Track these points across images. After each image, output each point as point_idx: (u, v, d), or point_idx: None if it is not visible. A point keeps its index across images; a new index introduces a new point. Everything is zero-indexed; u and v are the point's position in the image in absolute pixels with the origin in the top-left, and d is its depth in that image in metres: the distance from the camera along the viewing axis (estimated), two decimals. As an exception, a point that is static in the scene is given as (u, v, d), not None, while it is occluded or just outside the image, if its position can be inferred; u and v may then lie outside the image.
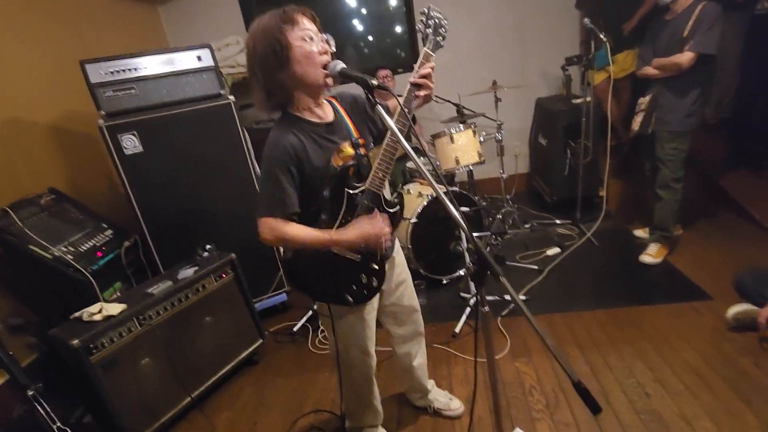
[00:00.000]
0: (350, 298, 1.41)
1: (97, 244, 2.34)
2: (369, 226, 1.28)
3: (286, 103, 1.28)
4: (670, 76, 2.40)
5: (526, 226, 3.38)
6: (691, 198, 2.73)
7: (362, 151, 1.36)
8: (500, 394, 1.88)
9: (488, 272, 1.02)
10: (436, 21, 1.25)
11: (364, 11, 4.14)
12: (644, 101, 2.56)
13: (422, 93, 1.28)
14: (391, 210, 1.41)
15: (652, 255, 2.71)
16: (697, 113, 2.43)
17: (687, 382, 1.82)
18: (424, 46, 1.27)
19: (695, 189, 2.97)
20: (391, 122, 1.14)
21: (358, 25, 4.20)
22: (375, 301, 1.53)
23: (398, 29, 4.14)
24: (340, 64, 1.20)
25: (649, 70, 2.50)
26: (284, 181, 1.23)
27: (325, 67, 1.21)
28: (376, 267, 1.43)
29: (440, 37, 1.27)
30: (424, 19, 1.25)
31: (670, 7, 2.37)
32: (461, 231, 2.60)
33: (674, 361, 1.94)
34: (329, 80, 1.23)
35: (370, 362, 1.60)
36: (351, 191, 1.32)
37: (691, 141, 2.49)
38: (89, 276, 2.11)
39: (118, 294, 2.26)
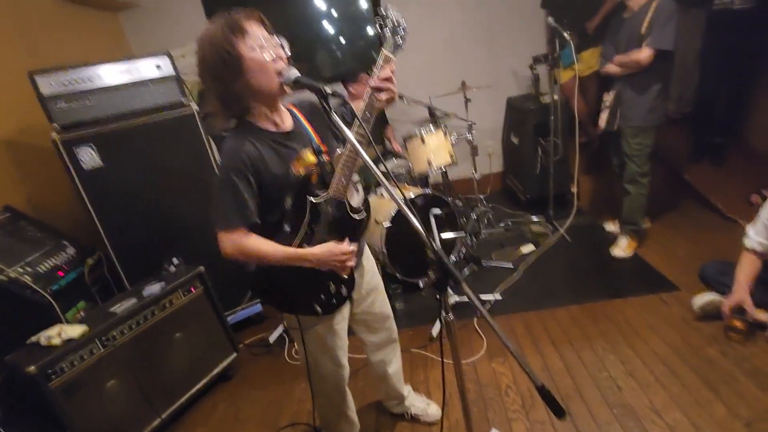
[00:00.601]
0: (318, 308, 1.38)
1: (58, 263, 2.23)
2: (335, 246, 1.27)
3: (242, 112, 1.24)
4: (631, 72, 2.45)
5: (501, 225, 3.40)
6: (658, 191, 2.79)
7: (325, 157, 1.33)
8: (476, 396, 1.89)
9: (451, 279, 1.01)
10: (394, 21, 1.23)
11: (334, 13, 4.10)
12: (608, 98, 2.61)
13: (384, 97, 1.26)
14: (358, 216, 1.38)
15: (622, 248, 2.76)
16: (659, 108, 2.48)
17: (656, 373, 1.85)
18: (383, 48, 1.25)
19: (662, 182, 3.04)
20: (347, 131, 1.11)
21: (328, 28, 4.15)
22: (345, 311, 1.50)
23: (369, 31, 4.11)
24: (295, 72, 1.17)
25: (611, 68, 2.55)
26: (242, 189, 1.19)
27: (279, 74, 1.17)
28: (344, 275, 1.41)
29: (399, 38, 1.24)
30: (380, 20, 1.23)
31: (626, 5, 2.42)
32: (439, 235, 2.59)
33: (644, 352, 1.98)
34: (285, 88, 1.19)
35: (343, 373, 1.57)
36: (314, 199, 1.29)
37: (656, 136, 2.55)
38: (49, 297, 2.02)
39: (82, 314, 2.17)
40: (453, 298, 2.51)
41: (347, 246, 1.29)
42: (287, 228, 1.29)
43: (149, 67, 2.28)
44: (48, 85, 2.06)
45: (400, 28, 1.24)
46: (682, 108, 3.68)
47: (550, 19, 2.92)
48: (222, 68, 1.14)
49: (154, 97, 2.31)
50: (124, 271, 2.37)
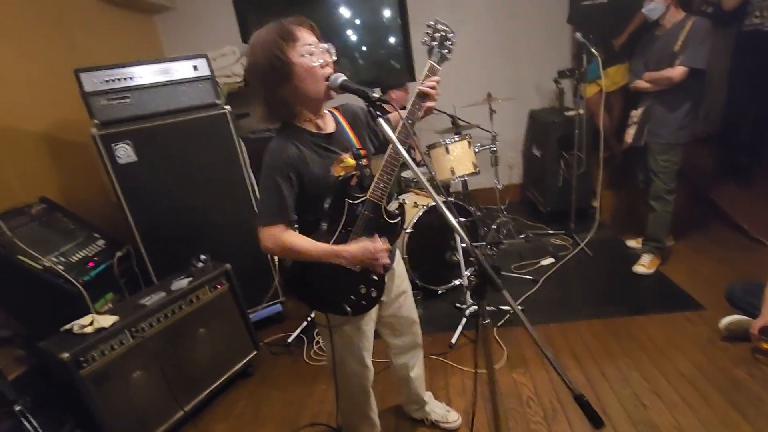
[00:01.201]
0: (349, 309, 1.40)
1: (89, 255, 2.29)
2: (371, 243, 1.29)
3: (288, 116, 1.28)
4: (661, 89, 2.45)
5: (521, 236, 3.40)
6: (683, 209, 2.77)
7: (364, 161, 1.37)
8: (499, 407, 1.88)
9: (489, 285, 1.03)
10: (443, 34, 1.26)
11: (358, 22, 4.17)
12: (636, 114, 2.61)
13: (428, 104, 1.29)
14: (393, 221, 1.41)
15: (645, 265, 2.74)
16: (689, 126, 2.48)
17: (682, 393, 1.83)
18: (430, 58, 1.28)
19: (686, 201, 3.02)
20: (392, 135, 1.14)
21: (352, 36, 4.23)
22: (374, 312, 1.52)
23: (392, 40, 4.17)
24: (341, 77, 1.21)
25: (642, 84, 2.55)
26: (284, 189, 1.24)
27: (326, 79, 1.21)
28: (376, 278, 1.43)
29: (446, 50, 1.27)
30: (430, 31, 1.26)
31: (660, 22, 2.43)
32: (461, 242, 2.60)
33: (669, 371, 1.95)
34: (331, 93, 1.23)
35: (367, 374, 1.58)
36: (352, 201, 1.32)
37: (683, 153, 2.54)
38: (80, 287, 2.07)
39: (110, 305, 2.22)
40: (472, 308, 2.51)
41: (381, 244, 1.30)
42: (324, 227, 1.33)
43: (187, 68, 2.35)
44: (91, 82, 2.13)
45: (448, 41, 1.27)
46: (708, 127, 3.65)
47: (578, 35, 2.94)
48: (272, 73, 1.18)
49: (189, 97, 2.37)
50: (152, 265, 2.42)
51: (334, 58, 1.24)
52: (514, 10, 3.79)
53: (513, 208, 3.97)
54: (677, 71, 2.32)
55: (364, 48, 4.28)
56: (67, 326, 1.80)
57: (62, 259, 2.16)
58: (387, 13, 4.09)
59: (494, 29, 3.85)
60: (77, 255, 2.23)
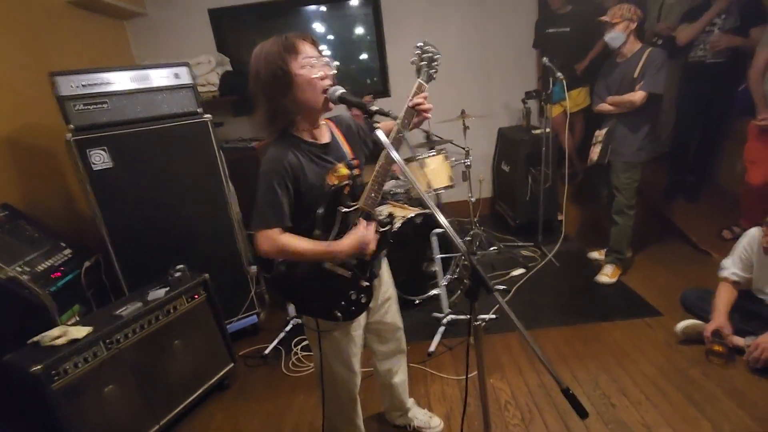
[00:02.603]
0: (339, 314, 1.43)
1: (55, 264, 2.19)
2: (358, 233, 1.34)
3: (287, 125, 1.32)
4: (623, 112, 2.66)
5: (493, 248, 3.52)
6: (639, 223, 2.98)
7: (356, 171, 1.42)
8: (476, 410, 1.94)
9: (481, 287, 1.09)
10: (431, 55, 1.35)
11: (333, 38, 4.25)
12: (600, 134, 2.81)
13: (424, 115, 1.38)
14: (383, 228, 1.46)
15: (607, 275, 2.92)
16: (648, 147, 2.70)
17: (646, 392, 1.96)
18: (418, 77, 1.36)
19: (643, 215, 3.24)
20: (390, 145, 1.20)
21: (325, 51, 4.28)
22: (362, 319, 1.55)
23: (366, 56, 4.27)
24: (340, 89, 1.27)
25: (605, 107, 2.76)
26: (280, 194, 1.27)
27: (325, 91, 1.26)
28: (366, 284, 1.47)
29: (433, 70, 1.37)
30: (419, 52, 1.34)
31: (620, 50, 2.65)
32: (438, 254, 2.68)
33: (634, 372, 2.09)
34: (329, 104, 1.28)
35: (355, 380, 1.60)
36: (345, 209, 1.37)
37: (643, 171, 2.75)
38: (48, 297, 1.97)
39: (77, 317, 2.12)
40: (449, 317, 2.58)
41: (370, 231, 1.36)
42: (317, 234, 1.36)
43: (167, 76, 2.33)
44: (68, 86, 2.07)
45: (435, 62, 1.36)
46: (659, 148, 3.96)
47: (545, 59, 3.14)
48: (274, 82, 1.23)
49: (170, 104, 2.35)
50: (123, 275, 2.33)
51: (335, 71, 1.30)
52: (485, 33, 3.99)
53: (483, 221, 4.12)
54: (638, 95, 2.54)
55: (337, 63, 4.35)
56: (35, 338, 1.72)
57: (26, 269, 2.05)
58: (362, 30, 4.20)
59: (467, 51, 4.03)
60: (43, 265, 2.13)
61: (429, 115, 1.39)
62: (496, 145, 4.23)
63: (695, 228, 3.36)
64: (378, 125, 1.19)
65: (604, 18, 2.61)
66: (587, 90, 3.75)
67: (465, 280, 2.70)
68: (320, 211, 1.35)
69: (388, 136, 1.38)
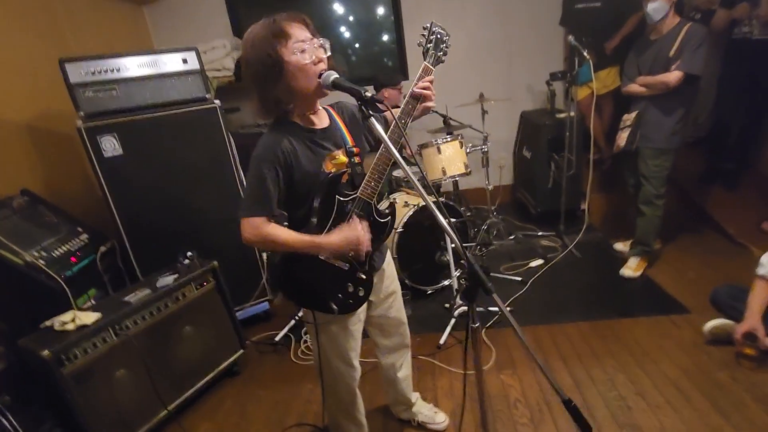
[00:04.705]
0: (335, 307, 1.39)
1: (72, 249, 2.24)
2: (349, 230, 1.28)
3: (282, 112, 1.26)
4: (655, 94, 2.46)
5: (511, 237, 3.41)
6: (670, 213, 2.80)
7: (356, 159, 1.36)
8: (487, 408, 1.88)
9: (480, 288, 1.02)
10: (438, 36, 1.25)
11: (351, 19, 4.14)
12: (629, 118, 2.62)
13: (427, 104, 1.29)
14: (383, 220, 1.40)
15: (632, 268, 2.76)
16: (681, 131, 2.50)
17: (667, 395, 1.85)
18: (425, 60, 1.27)
19: (673, 204, 3.05)
20: (383, 133, 1.13)
21: (345, 32, 4.20)
22: (362, 313, 1.51)
23: (386, 38, 4.15)
24: (333, 75, 1.19)
25: (636, 88, 2.56)
26: (270, 182, 1.23)
27: (319, 76, 1.19)
28: (363, 277, 1.42)
29: (441, 53, 1.27)
30: (426, 33, 1.25)
31: (655, 27, 2.44)
32: (451, 244, 2.60)
33: (654, 373, 1.98)
34: (324, 90, 1.21)
35: (353, 374, 1.57)
36: (342, 198, 1.31)
37: (674, 159, 2.56)
38: (62, 282, 2.02)
39: (93, 301, 2.17)
40: (461, 309, 2.51)
41: (362, 229, 1.29)
42: (314, 222, 1.31)
43: (176, 61, 2.31)
44: (77, 73, 2.08)
45: (444, 44, 1.27)
46: (697, 131, 3.70)
47: (571, 38, 2.95)
48: (264, 71, 1.17)
49: (178, 90, 2.33)
50: (137, 261, 2.37)
51: (329, 53, 1.22)
52: (507, 11, 3.79)
53: (503, 209, 3.98)
54: (674, 76, 2.33)
55: (357, 45, 4.25)
56: (48, 322, 1.76)
57: (44, 254, 2.10)
58: (381, 10, 4.07)
59: (487, 30, 3.85)
60: (60, 249, 2.18)
61: (432, 103, 1.30)
62: (518, 129, 4.06)
63: (732, 219, 3.13)
64: (371, 114, 1.12)
65: None
66: (617, 70, 3.49)
67: (461, 281, 2.62)
68: (316, 200, 1.30)
69: (390, 123, 1.32)
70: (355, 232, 1.27)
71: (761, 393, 1.79)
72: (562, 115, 3.29)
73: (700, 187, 3.51)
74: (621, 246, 3.09)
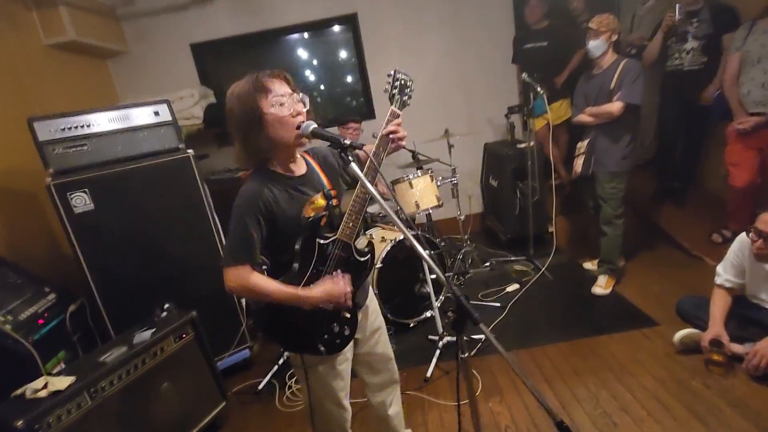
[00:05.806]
0: (323, 348, 1.40)
1: (39, 311, 2.15)
2: (331, 285, 1.32)
3: (263, 161, 1.32)
4: (603, 122, 2.68)
5: (486, 264, 3.50)
6: (629, 232, 2.97)
7: (334, 202, 1.41)
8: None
9: (467, 319, 1.06)
10: (402, 82, 1.35)
11: (315, 63, 4.30)
12: (582, 145, 2.83)
13: (399, 143, 1.38)
14: (362, 258, 1.44)
15: (602, 286, 2.90)
16: (631, 155, 2.72)
17: (648, 407, 1.92)
18: (392, 105, 1.36)
19: (632, 223, 3.24)
20: (363, 176, 1.19)
21: (310, 76, 4.35)
22: (348, 352, 1.52)
23: (349, 79, 4.32)
24: (313, 125, 1.26)
25: (584, 118, 2.78)
26: (253, 231, 1.26)
27: (298, 127, 1.26)
28: (348, 316, 1.44)
29: (406, 97, 1.37)
30: (390, 80, 1.35)
31: (596, 62, 2.69)
32: (435, 276, 2.65)
33: (634, 387, 2.05)
34: (303, 140, 1.28)
35: (346, 416, 1.56)
36: (322, 241, 1.35)
37: (628, 180, 2.76)
38: (30, 347, 1.93)
39: (62, 365, 2.07)
40: (445, 339, 2.54)
41: (343, 284, 1.33)
42: (296, 267, 1.33)
43: (147, 114, 2.33)
44: (46, 131, 2.06)
45: (408, 89, 1.37)
46: (644, 154, 4.00)
47: (525, 75, 3.18)
48: (246, 121, 1.24)
49: (150, 142, 2.34)
50: (109, 318, 2.29)
51: (307, 107, 1.30)
52: (463, 50, 4.04)
53: (474, 237, 4.10)
54: (616, 106, 2.56)
55: (322, 87, 4.40)
56: (19, 391, 1.66)
57: (9, 318, 2.01)
58: (343, 54, 4.25)
59: (447, 70, 4.08)
60: (26, 312, 2.09)
61: (403, 143, 1.39)
62: (483, 160, 4.25)
63: (685, 233, 3.36)
64: (351, 160, 1.18)
65: (591, 24, 2.61)
66: (568, 102, 3.78)
67: (449, 313, 2.67)
68: (298, 243, 1.33)
69: (365, 163, 1.38)
70: (338, 287, 1.31)
71: (733, 398, 1.89)
72: (523, 146, 3.50)
73: (653, 205, 3.76)
74: (589, 265, 3.24)
